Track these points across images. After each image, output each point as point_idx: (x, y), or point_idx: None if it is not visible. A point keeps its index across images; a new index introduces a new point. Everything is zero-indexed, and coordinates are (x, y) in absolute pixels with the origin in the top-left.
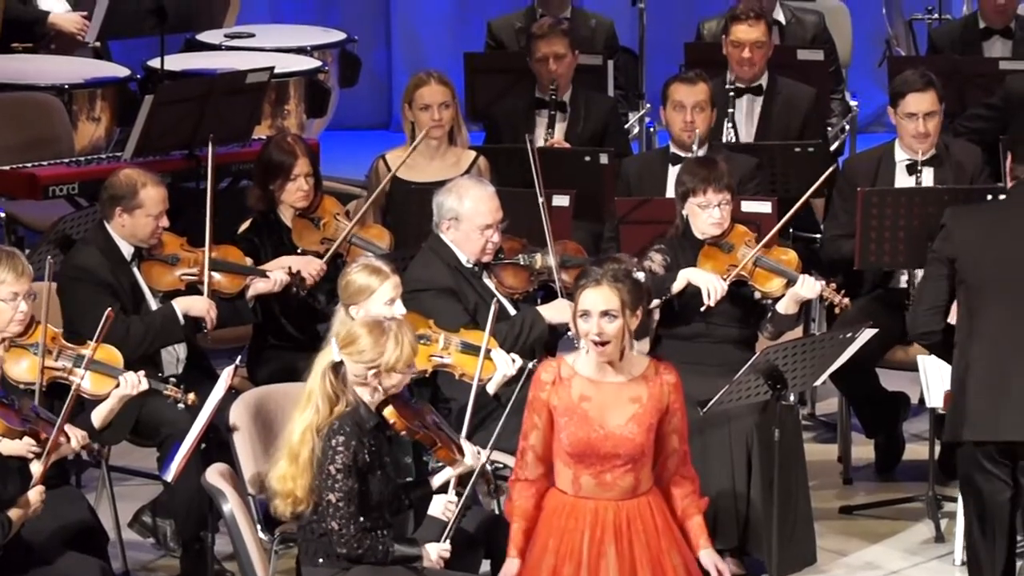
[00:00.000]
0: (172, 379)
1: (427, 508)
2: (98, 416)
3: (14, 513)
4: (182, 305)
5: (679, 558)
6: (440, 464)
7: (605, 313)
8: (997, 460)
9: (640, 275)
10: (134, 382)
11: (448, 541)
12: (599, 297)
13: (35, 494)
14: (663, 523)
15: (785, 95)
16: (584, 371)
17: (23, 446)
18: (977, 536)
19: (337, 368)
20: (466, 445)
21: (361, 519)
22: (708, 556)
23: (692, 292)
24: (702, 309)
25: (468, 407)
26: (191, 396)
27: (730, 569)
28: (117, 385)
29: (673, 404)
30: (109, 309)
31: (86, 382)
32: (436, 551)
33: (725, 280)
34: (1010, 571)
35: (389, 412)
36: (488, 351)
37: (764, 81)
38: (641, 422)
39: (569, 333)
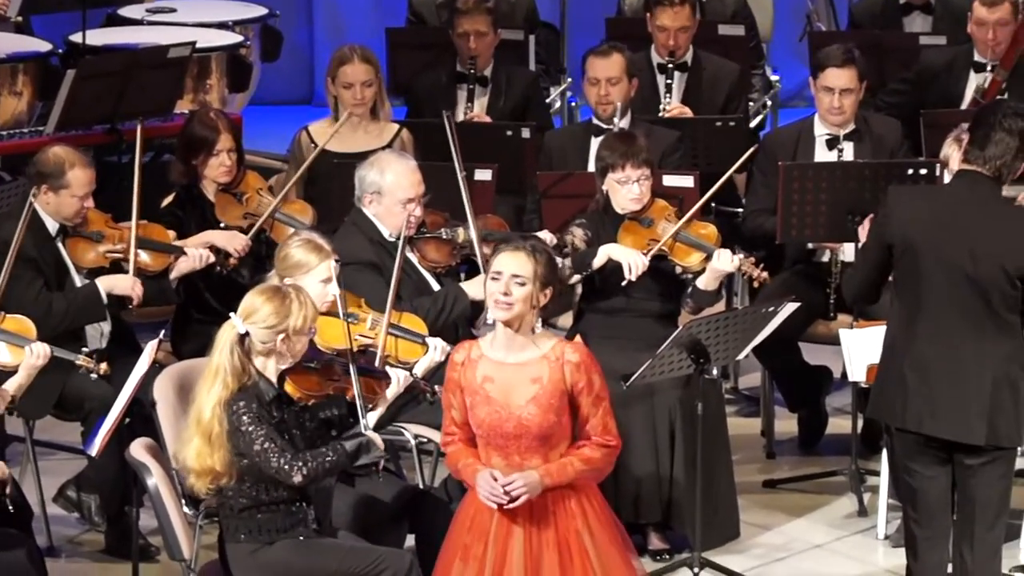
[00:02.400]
0: (84, 349)
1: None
2: (12, 385)
3: None
4: (105, 284)
5: (590, 539)
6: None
7: (515, 276)
8: (931, 446)
9: (559, 260)
10: (39, 352)
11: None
12: (513, 261)
13: None
14: (577, 506)
15: (710, 71)
16: (490, 353)
17: None
18: (912, 524)
19: (243, 340)
20: (390, 371)
21: (293, 453)
22: (521, 476)
23: (613, 267)
24: (623, 284)
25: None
26: (103, 366)
27: (654, 544)
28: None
29: (578, 384)
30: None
31: None
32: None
33: (646, 255)
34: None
35: (287, 385)
36: (423, 336)
37: (689, 57)
38: (540, 403)
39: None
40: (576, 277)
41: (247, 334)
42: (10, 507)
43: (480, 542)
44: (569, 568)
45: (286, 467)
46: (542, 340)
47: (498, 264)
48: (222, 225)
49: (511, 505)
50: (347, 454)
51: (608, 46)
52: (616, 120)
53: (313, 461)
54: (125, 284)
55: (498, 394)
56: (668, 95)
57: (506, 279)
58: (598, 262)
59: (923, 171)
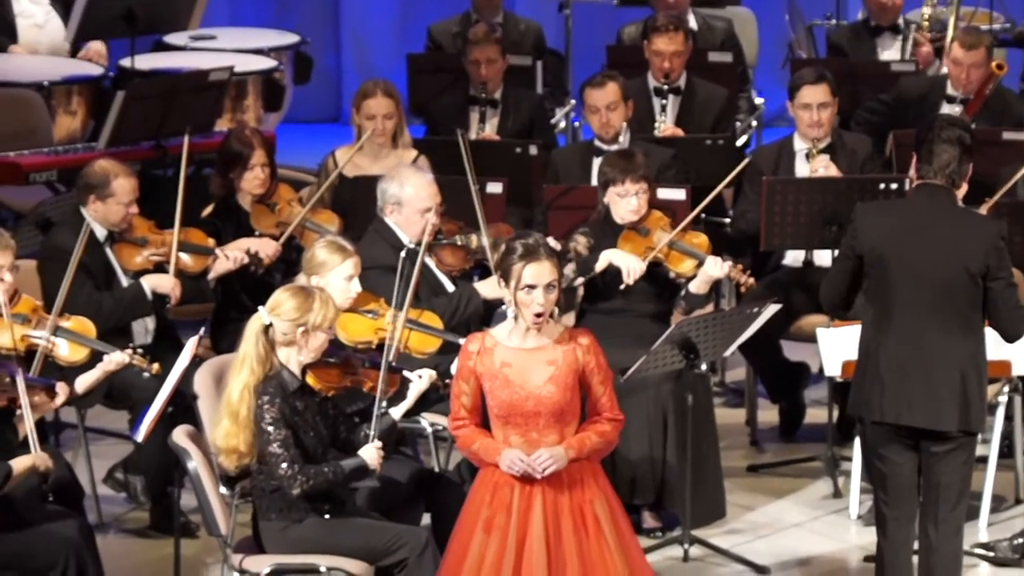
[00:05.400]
0: (139, 350)
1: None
2: (82, 383)
3: (17, 463)
4: (150, 282)
5: (603, 506)
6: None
7: (548, 285)
8: (900, 435)
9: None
10: (117, 360)
11: (376, 440)
12: (543, 271)
13: (40, 459)
14: (590, 474)
15: (701, 95)
16: (504, 340)
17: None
18: (882, 506)
19: (267, 331)
20: (407, 374)
21: (303, 462)
22: (547, 450)
23: (613, 271)
24: (621, 287)
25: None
26: (156, 366)
27: (648, 522)
28: (91, 353)
29: (589, 364)
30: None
31: (62, 350)
32: (372, 452)
33: (643, 261)
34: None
35: (309, 378)
36: (439, 329)
37: (682, 83)
38: (558, 382)
39: (504, 307)
40: (580, 280)
41: (271, 325)
42: (50, 497)
43: (502, 513)
44: (583, 534)
45: (288, 477)
46: (550, 328)
47: (529, 277)
48: (256, 233)
49: (540, 476)
50: (344, 475)
51: (602, 76)
52: (621, 140)
53: (313, 479)
54: (167, 283)
55: (516, 377)
56: (663, 116)
57: (541, 291)
58: (600, 266)
59: (893, 185)
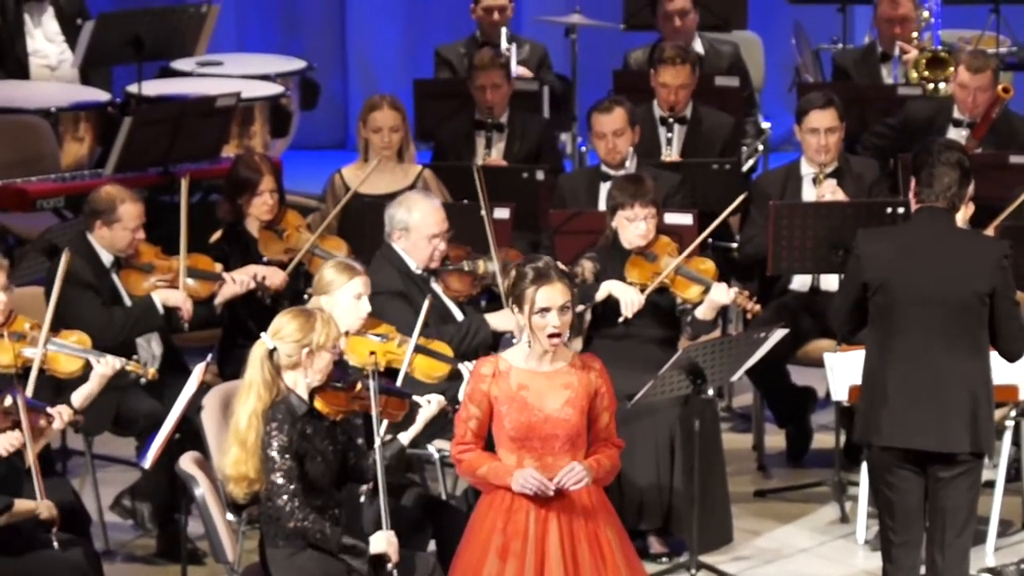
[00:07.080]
0: (135, 356)
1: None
2: (79, 397)
3: (20, 503)
4: (160, 296)
5: (613, 532)
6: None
7: (563, 307)
8: (908, 461)
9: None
10: (111, 364)
11: (389, 528)
12: (557, 292)
13: (45, 507)
14: (599, 500)
15: (707, 124)
16: (519, 363)
17: (5, 441)
18: (889, 531)
19: (272, 355)
20: (428, 396)
21: (304, 498)
22: (579, 463)
23: (615, 301)
24: (620, 320)
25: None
26: (152, 371)
27: (655, 548)
28: (85, 364)
29: (601, 388)
30: None
31: (56, 361)
32: (382, 541)
33: (648, 288)
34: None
35: (317, 402)
36: (450, 357)
37: (688, 112)
38: (575, 405)
39: (513, 339)
40: (580, 307)
41: (275, 349)
42: (55, 544)
43: (518, 539)
44: (599, 560)
45: (287, 510)
46: (562, 352)
47: (544, 300)
48: (264, 259)
49: (574, 487)
50: (337, 544)
51: (609, 102)
52: (627, 165)
53: (309, 525)
54: (177, 297)
55: (534, 399)
56: (669, 147)
57: (555, 312)
58: (600, 296)
59: (900, 209)
